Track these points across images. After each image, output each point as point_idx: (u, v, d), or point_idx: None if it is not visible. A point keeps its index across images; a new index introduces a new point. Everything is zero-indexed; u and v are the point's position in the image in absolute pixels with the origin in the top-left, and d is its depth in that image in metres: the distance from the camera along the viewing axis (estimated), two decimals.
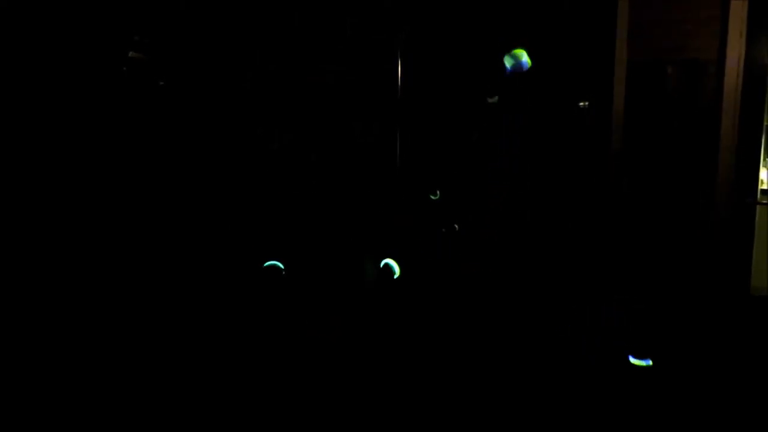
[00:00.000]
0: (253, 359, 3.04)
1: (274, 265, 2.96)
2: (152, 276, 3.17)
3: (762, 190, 3.40)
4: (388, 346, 3.19)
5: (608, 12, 3.30)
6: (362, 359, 3.09)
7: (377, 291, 3.30)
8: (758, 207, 3.34)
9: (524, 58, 2.95)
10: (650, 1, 3.25)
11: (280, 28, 3.46)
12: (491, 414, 2.67)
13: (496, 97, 3.27)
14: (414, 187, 3.54)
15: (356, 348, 3.18)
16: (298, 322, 3.27)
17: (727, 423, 2.63)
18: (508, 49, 3.29)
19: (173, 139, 3.32)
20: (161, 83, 3.25)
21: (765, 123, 3.31)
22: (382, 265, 3.12)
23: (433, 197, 3.35)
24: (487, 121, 3.50)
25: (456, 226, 3.32)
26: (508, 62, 2.95)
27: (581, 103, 3.44)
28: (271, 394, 2.82)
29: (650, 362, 2.84)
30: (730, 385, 2.85)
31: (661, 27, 3.26)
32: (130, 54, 3.13)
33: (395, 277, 3.11)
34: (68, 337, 2.88)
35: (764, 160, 3.43)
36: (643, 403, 2.73)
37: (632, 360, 2.84)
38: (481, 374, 2.94)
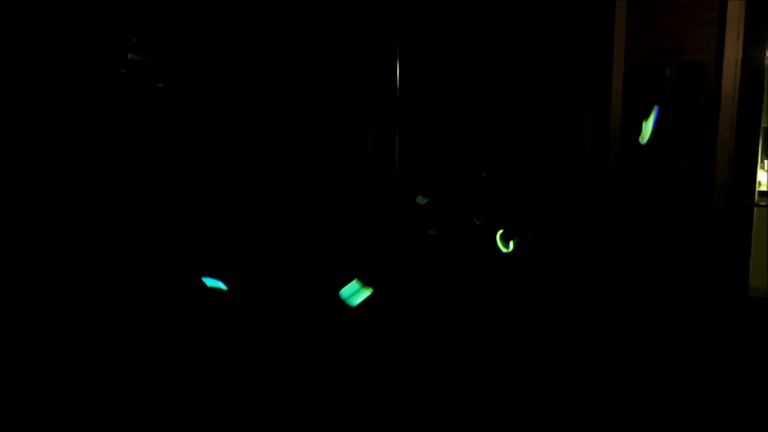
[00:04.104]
0: (251, 361, 3.04)
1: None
2: (151, 276, 3.17)
3: (760, 192, 3.41)
4: (385, 348, 3.19)
5: (606, 14, 3.30)
6: (361, 360, 3.10)
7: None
8: (756, 208, 3.35)
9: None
10: (648, 3, 3.26)
11: (280, 29, 3.47)
12: (481, 414, 2.68)
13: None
14: (412, 191, 3.54)
15: (355, 348, 3.18)
16: (296, 324, 3.28)
17: (725, 424, 2.63)
18: (507, 49, 3.31)
19: (172, 141, 3.32)
20: (160, 85, 3.26)
21: (763, 125, 3.32)
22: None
23: (420, 202, 3.35)
24: (483, 126, 3.52)
25: (433, 232, 3.32)
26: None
27: (580, 105, 3.45)
28: (270, 394, 2.82)
29: None
30: (728, 386, 2.85)
31: (659, 29, 3.26)
32: (129, 56, 3.13)
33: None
34: (68, 337, 2.89)
35: (762, 161, 3.44)
36: (642, 404, 2.73)
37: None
38: (468, 377, 2.95)
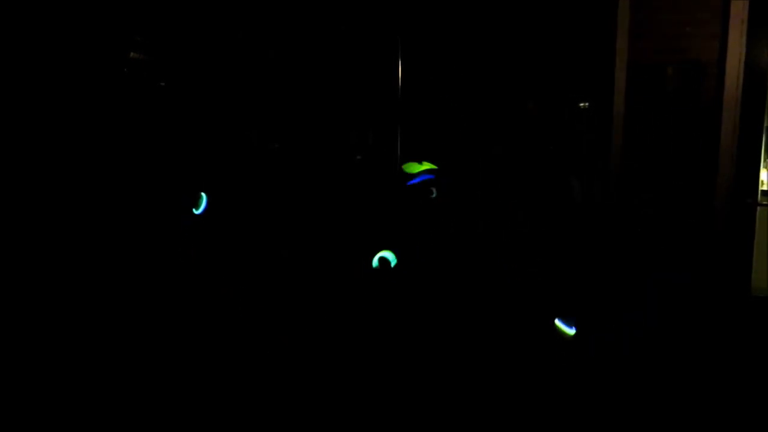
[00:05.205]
0: (250, 359, 3.05)
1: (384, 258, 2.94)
2: (150, 276, 3.18)
3: (762, 191, 3.40)
4: (383, 347, 3.20)
5: (609, 13, 3.30)
6: (360, 358, 3.10)
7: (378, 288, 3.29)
8: (759, 208, 3.34)
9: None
10: (651, 3, 3.25)
11: (280, 28, 3.47)
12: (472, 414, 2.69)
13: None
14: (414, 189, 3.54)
15: (354, 347, 3.19)
16: (295, 322, 3.28)
17: (727, 423, 2.63)
18: (509, 49, 3.30)
19: (173, 140, 3.32)
20: (162, 84, 3.26)
21: (765, 124, 3.32)
22: (377, 258, 3.10)
23: (430, 195, 3.35)
24: (483, 126, 3.52)
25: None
26: None
27: (582, 104, 3.45)
28: (268, 393, 2.83)
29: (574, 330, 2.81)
30: (730, 385, 2.85)
31: (662, 28, 3.26)
32: (131, 55, 3.13)
33: (392, 265, 3.09)
34: (68, 337, 2.89)
35: (764, 161, 3.43)
36: (643, 403, 2.73)
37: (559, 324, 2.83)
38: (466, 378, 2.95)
